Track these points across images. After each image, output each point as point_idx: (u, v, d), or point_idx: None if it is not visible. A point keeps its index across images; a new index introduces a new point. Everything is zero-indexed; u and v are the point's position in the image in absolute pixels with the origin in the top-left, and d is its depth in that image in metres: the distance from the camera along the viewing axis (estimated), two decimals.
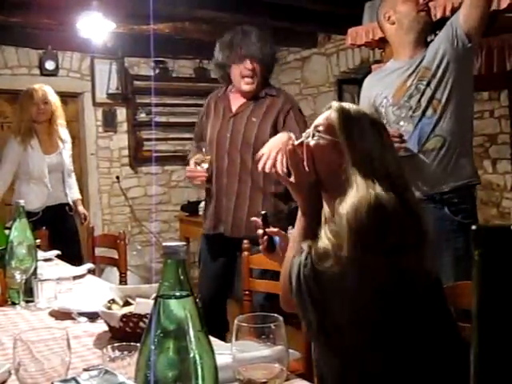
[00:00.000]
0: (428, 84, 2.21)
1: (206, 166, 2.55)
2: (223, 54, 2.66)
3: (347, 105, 1.43)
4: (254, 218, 1.61)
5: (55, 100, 3.89)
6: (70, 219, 3.98)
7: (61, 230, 3.80)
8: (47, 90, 3.87)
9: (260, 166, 2.30)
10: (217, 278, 2.77)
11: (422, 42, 2.30)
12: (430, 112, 2.19)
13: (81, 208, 4.07)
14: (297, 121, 2.63)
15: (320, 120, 1.42)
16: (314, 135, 1.39)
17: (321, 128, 1.39)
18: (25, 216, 1.86)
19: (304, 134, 1.44)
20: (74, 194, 4.02)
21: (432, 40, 2.36)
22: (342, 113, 1.39)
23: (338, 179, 1.29)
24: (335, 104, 1.43)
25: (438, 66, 2.20)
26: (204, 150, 2.59)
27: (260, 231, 1.57)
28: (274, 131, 2.58)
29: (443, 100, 2.19)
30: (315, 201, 1.40)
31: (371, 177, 1.25)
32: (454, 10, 2.57)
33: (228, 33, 2.68)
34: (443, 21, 2.48)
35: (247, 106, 2.67)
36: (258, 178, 2.58)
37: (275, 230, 1.58)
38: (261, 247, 1.60)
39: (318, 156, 1.37)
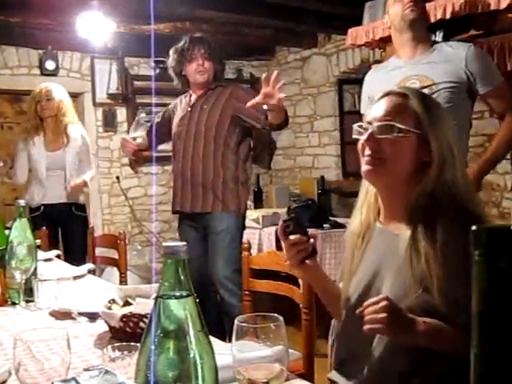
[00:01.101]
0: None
1: (139, 140, 3.01)
2: (175, 61, 3.07)
3: (418, 89, 1.37)
4: (282, 220, 1.34)
5: (61, 97, 3.93)
6: (76, 220, 3.90)
7: (66, 231, 3.84)
8: (52, 87, 3.93)
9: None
10: (197, 259, 2.94)
11: (422, 40, 2.30)
12: None
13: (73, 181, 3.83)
14: (244, 91, 3.04)
15: (390, 109, 1.26)
16: (391, 129, 1.24)
17: (397, 119, 1.24)
18: (25, 216, 1.86)
19: (369, 126, 1.28)
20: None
21: (436, 41, 2.37)
22: (424, 100, 1.27)
23: (415, 175, 1.23)
24: (411, 89, 1.31)
25: (440, 83, 2.21)
26: (141, 128, 3.07)
27: (297, 237, 1.30)
28: (226, 115, 2.92)
29: None
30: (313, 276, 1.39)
31: (454, 167, 1.22)
32: (455, 12, 2.57)
33: (181, 40, 3.10)
34: (444, 22, 2.49)
35: (201, 98, 3.05)
36: (209, 160, 2.95)
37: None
38: (295, 260, 1.32)
39: (399, 152, 1.24)
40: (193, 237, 3.00)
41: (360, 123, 1.31)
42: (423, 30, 2.30)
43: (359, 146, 1.30)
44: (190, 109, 3.04)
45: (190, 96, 3.12)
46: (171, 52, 3.11)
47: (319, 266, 1.42)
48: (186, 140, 3.01)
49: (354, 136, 1.32)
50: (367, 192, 1.36)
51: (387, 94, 1.30)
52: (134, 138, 3.03)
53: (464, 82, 2.18)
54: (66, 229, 3.88)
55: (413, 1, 2.28)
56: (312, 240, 1.32)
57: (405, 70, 2.29)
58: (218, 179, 2.94)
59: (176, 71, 3.11)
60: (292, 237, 1.31)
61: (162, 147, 5.08)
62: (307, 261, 1.33)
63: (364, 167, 1.28)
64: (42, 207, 3.81)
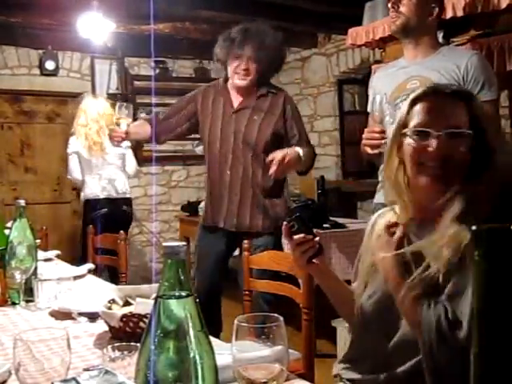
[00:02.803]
0: None
1: (123, 127, 2.70)
2: (221, 51, 2.71)
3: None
4: (284, 225, 1.33)
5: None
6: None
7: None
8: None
9: (270, 172, 2.43)
10: (213, 273, 2.82)
11: (423, 43, 2.29)
12: None
13: None
14: (296, 124, 2.72)
15: (449, 113, 1.23)
16: (455, 134, 1.22)
17: (460, 123, 1.23)
18: (25, 216, 1.87)
19: (432, 132, 1.23)
20: None
21: (447, 43, 2.37)
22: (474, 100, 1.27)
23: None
24: (464, 90, 1.29)
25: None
26: (122, 109, 2.76)
27: (302, 236, 1.30)
28: (275, 131, 2.67)
29: None
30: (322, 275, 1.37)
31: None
32: (455, 12, 2.56)
33: (231, 29, 2.72)
34: (444, 22, 2.48)
35: (249, 102, 2.71)
36: (258, 174, 2.67)
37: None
38: (302, 260, 1.32)
39: (460, 155, 1.22)
40: (218, 250, 2.79)
41: (417, 129, 1.25)
42: (423, 33, 2.28)
43: (413, 151, 1.25)
44: (235, 114, 2.71)
45: (229, 94, 2.75)
46: (220, 39, 2.74)
47: (328, 265, 1.40)
48: (234, 151, 2.68)
49: (409, 142, 1.25)
50: (401, 192, 1.30)
51: (434, 93, 1.26)
52: (118, 123, 2.72)
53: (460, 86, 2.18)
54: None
55: (394, 11, 2.27)
56: (318, 238, 1.32)
57: (408, 71, 2.29)
58: (267, 197, 2.69)
59: (222, 60, 2.74)
60: (296, 236, 1.30)
61: (162, 147, 5.01)
62: (315, 260, 1.33)
63: (429, 175, 1.23)
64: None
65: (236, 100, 2.74)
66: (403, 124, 1.28)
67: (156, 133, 2.84)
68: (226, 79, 2.80)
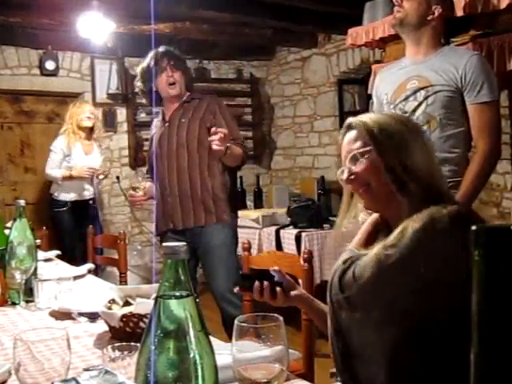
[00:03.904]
0: (426, 98, 2.21)
1: (140, 192, 2.92)
2: (146, 76, 3.00)
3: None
4: (236, 289, 1.46)
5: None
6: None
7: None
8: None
9: (210, 138, 2.54)
10: None
11: (422, 42, 2.29)
12: (425, 127, 2.18)
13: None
14: (225, 120, 2.91)
15: (347, 144, 1.35)
16: (356, 157, 1.32)
17: (355, 147, 1.36)
18: (25, 216, 1.87)
19: (344, 168, 1.34)
20: None
21: (446, 43, 2.36)
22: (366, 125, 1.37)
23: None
24: (355, 121, 1.35)
25: (436, 86, 2.20)
26: (140, 178, 3.03)
27: (255, 291, 1.38)
28: (204, 127, 2.85)
29: (438, 119, 2.19)
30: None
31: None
32: (455, 12, 2.56)
33: (144, 59, 3.06)
34: (455, 20, 2.47)
35: (177, 112, 2.97)
36: (196, 172, 2.87)
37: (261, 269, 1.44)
38: (267, 299, 1.39)
39: (373, 172, 1.33)
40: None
41: (341, 168, 1.34)
42: (423, 31, 2.28)
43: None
44: (167, 124, 2.96)
45: (163, 113, 3.05)
46: (138, 72, 3.09)
47: (302, 295, 1.45)
48: (169, 156, 2.92)
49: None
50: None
51: (346, 131, 1.35)
52: (134, 188, 2.95)
53: (458, 88, 2.17)
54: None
55: (397, 5, 2.28)
56: (264, 284, 1.37)
57: (408, 71, 2.29)
58: (208, 190, 2.87)
59: (146, 89, 3.03)
60: (254, 293, 1.39)
61: None
62: (291, 293, 1.40)
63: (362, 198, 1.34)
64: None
65: (167, 115, 3.00)
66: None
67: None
68: (159, 105, 3.07)
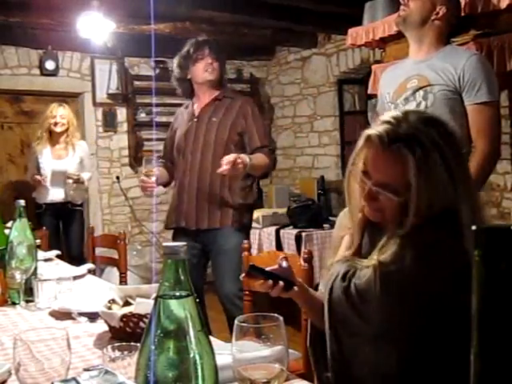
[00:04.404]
0: (425, 98, 2.21)
1: (153, 178, 2.82)
2: (181, 65, 2.96)
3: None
4: (243, 275, 1.44)
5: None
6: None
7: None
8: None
9: (219, 170, 2.56)
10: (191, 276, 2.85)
11: (424, 41, 2.29)
12: None
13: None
14: (256, 126, 2.89)
15: (380, 167, 1.25)
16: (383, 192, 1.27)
17: (387, 181, 1.27)
18: (25, 216, 1.86)
19: (367, 182, 1.26)
20: None
21: (450, 42, 2.36)
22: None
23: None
24: (385, 132, 1.22)
25: (435, 86, 2.19)
26: (154, 163, 2.90)
27: (269, 282, 1.35)
28: (234, 131, 2.84)
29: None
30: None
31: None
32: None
33: (183, 46, 3.02)
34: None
35: (208, 108, 2.92)
36: (218, 174, 2.77)
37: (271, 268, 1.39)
38: (274, 293, 1.36)
39: (393, 207, 1.29)
40: (190, 256, 2.86)
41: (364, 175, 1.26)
42: (426, 30, 2.28)
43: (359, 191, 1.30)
44: (196, 119, 2.91)
45: (193, 106, 2.98)
46: (175, 59, 3.02)
47: (303, 292, 1.42)
48: (193, 153, 2.87)
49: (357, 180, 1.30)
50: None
51: (366, 140, 1.24)
52: (148, 175, 2.84)
53: (457, 88, 2.17)
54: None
55: (404, 4, 2.29)
56: (279, 283, 1.34)
57: (409, 70, 2.29)
58: (226, 194, 2.82)
59: (181, 76, 2.99)
60: (256, 283, 1.40)
61: (162, 147, 5.10)
62: (294, 288, 1.38)
63: (369, 214, 1.29)
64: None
65: (197, 109, 2.95)
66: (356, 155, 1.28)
67: (171, 176, 3.06)
68: (190, 97, 3.03)
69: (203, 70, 2.88)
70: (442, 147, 1.18)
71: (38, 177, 4.31)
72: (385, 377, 1.20)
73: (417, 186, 1.16)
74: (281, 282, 1.33)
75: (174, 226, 2.95)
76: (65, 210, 4.49)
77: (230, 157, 2.55)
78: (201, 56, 2.90)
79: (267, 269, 1.36)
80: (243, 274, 1.43)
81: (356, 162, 1.28)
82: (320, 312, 1.35)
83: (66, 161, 4.50)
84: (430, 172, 1.17)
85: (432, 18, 2.25)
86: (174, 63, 3.03)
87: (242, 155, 2.63)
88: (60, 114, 4.46)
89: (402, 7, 2.30)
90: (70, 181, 4.42)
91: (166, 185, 3.11)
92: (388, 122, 1.22)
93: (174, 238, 2.97)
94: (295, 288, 1.35)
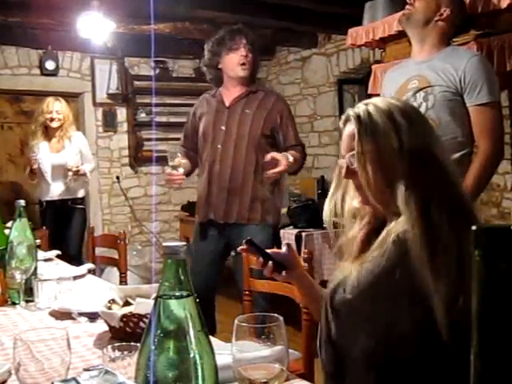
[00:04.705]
0: (425, 99, 2.21)
1: (181, 170, 2.72)
2: (213, 52, 2.84)
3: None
4: (240, 248, 1.46)
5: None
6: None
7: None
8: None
9: (269, 174, 2.53)
10: (209, 273, 2.87)
11: (426, 42, 2.29)
12: None
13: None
14: (291, 125, 2.90)
15: (345, 140, 1.34)
16: (352, 160, 1.30)
17: (351, 147, 1.34)
18: (25, 216, 1.86)
19: (343, 161, 1.32)
20: None
21: (451, 42, 2.36)
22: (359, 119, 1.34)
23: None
24: (352, 113, 1.30)
25: (435, 87, 2.19)
26: (180, 154, 2.76)
27: (260, 259, 1.41)
28: (268, 126, 2.79)
29: (437, 122, 2.18)
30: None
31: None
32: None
33: (219, 32, 2.89)
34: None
35: (240, 99, 2.84)
36: (250, 167, 2.77)
37: (271, 250, 1.44)
38: (266, 273, 1.41)
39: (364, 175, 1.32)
40: (213, 249, 2.86)
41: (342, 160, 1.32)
42: (429, 30, 2.28)
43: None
44: (227, 109, 2.83)
45: (221, 95, 2.89)
46: (206, 45, 2.89)
47: (300, 275, 1.45)
48: (225, 143, 2.79)
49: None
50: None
51: (345, 123, 1.32)
52: (175, 167, 2.75)
53: (457, 89, 2.17)
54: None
55: (410, 4, 2.30)
56: (270, 262, 1.38)
57: (410, 71, 2.29)
58: (258, 189, 2.77)
59: (212, 63, 2.87)
60: (260, 259, 1.41)
61: (162, 147, 5.09)
62: (283, 272, 1.41)
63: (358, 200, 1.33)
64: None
65: (228, 99, 2.86)
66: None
67: (193, 165, 2.99)
68: (218, 85, 2.93)
69: (237, 64, 2.79)
70: (392, 116, 1.23)
71: (31, 157, 4.18)
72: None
73: (360, 150, 1.23)
74: (270, 262, 1.38)
75: (205, 220, 2.88)
76: (65, 207, 4.39)
77: (282, 160, 2.52)
78: (236, 46, 2.79)
79: (268, 251, 1.41)
80: (241, 247, 1.44)
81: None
82: (316, 302, 1.39)
83: (64, 153, 4.37)
84: (374, 138, 1.22)
85: (436, 18, 2.26)
86: (205, 48, 2.91)
87: (286, 154, 2.61)
88: (56, 109, 4.34)
89: (407, 6, 2.31)
90: (70, 173, 4.32)
91: (188, 174, 2.99)
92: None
93: (201, 230, 2.92)
94: (283, 273, 1.40)
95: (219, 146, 2.79)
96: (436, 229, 1.12)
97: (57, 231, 4.20)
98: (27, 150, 4.54)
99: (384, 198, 1.23)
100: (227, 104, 2.84)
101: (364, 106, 1.27)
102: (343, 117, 1.32)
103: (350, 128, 1.28)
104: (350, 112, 1.29)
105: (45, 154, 4.31)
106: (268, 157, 2.54)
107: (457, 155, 2.19)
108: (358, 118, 1.25)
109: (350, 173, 1.28)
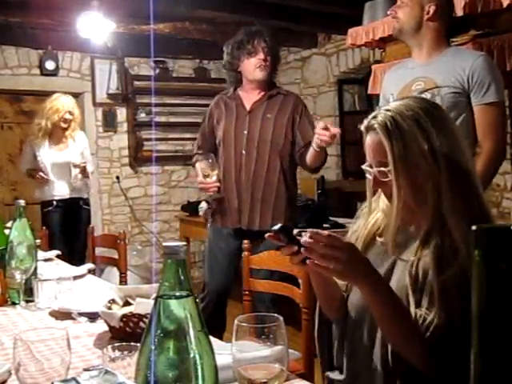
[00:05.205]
0: (432, 99, 2.20)
1: (214, 177, 2.69)
2: (233, 55, 2.83)
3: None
4: (268, 235, 1.34)
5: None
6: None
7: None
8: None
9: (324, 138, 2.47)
10: (227, 273, 2.87)
11: (424, 44, 2.29)
12: None
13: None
14: (310, 123, 2.84)
15: (376, 151, 1.30)
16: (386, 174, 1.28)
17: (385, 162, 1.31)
18: (25, 216, 1.86)
19: (370, 171, 1.30)
20: None
21: (449, 44, 2.36)
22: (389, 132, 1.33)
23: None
24: (380, 122, 1.27)
25: (442, 88, 2.19)
26: (211, 161, 2.72)
27: (294, 248, 1.29)
28: (290, 129, 2.79)
29: None
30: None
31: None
32: (455, 12, 2.55)
33: (237, 34, 2.87)
34: (455, 20, 2.47)
35: (261, 103, 2.83)
36: (274, 173, 2.77)
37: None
38: (293, 261, 1.30)
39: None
40: (230, 250, 2.82)
41: (367, 165, 1.30)
42: (424, 33, 2.28)
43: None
44: (248, 116, 2.81)
45: (240, 98, 2.87)
46: (226, 47, 2.89)
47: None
48: (248, 148, 2.77)
49: (367, 176, 1.31)
50: (378, 203, 1.36)
51: (367, 131, 1.30)
52: (206, 176, 2.71)
53: (465, 89, 2.17)
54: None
55: (393, 17, 2.31)
56: (302, 249, 1.29)
57: (414, 72, 2.29)
58: (281, 197, 2.78)
59: (232, 67, 2.87)
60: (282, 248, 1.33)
61: (162, 147, 5.07)
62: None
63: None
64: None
65: (248, 102, 2.84)
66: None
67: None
68: (236, 87, 2.90)
69: (254, 67, 2.78)
70: (418, 118, 1.23)
71: (41, 174, 4.11)
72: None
73: (392, 154, 1.21)
74: (302, 250, 1.27)
75: (219, 225, 2.86)
76: (74, 206, 4.28)
77: (335, 129, 2.50)
78: (254, 50, 2.78)
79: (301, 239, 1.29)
80: (268, 234, 1.31)
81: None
82: (333, 300, 1.36)
83: (68, 152, 4.26)
84: (405, 141, 1.21)
85: (424, 19, 2.25)
86: (224, 50, 2.89)
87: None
88: (69, 109, 4.25)
89: (392, 19, 2.31)
90: (77, 170, 4.19)
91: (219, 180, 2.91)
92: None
93: (218, 232, 2.88)
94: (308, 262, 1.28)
95: (243, 152, 2.78)
96: None
97: (64, 231, 4.17)
98: (28, 148, 4.36)
99: (416, 204, 1.23)
100: (248, 108, 2.83)
101: (387, 113, 1.25)
102: (364, 124, 1.30)
103: (375, 137, 1.26)
104: (373, 121, 1.26)
105: (45, 152, 4.23)
106: (321, 124, 2.48)
107: None
108: (385, 127, 1.23)
109: (379, 183, 1.28)
